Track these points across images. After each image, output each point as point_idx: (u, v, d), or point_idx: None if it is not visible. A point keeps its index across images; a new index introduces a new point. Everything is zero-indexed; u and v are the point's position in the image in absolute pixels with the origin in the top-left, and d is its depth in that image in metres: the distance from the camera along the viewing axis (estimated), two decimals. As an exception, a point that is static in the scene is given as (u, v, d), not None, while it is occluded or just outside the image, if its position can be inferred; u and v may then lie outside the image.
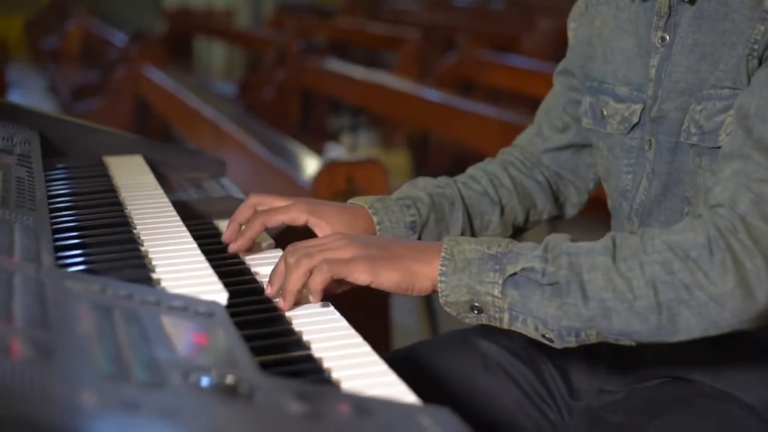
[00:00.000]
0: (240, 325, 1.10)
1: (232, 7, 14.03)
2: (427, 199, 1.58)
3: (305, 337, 1.20)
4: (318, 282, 1.27)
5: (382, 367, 1.11)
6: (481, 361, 1.54)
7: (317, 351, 1.16)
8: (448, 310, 1.30)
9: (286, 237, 1.50)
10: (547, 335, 1.26)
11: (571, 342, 1.26)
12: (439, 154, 6.45)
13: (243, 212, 1.50)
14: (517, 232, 1.71)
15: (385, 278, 1.29)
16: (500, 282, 1.25)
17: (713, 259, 1.18)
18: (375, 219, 1.52)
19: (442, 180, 1.64)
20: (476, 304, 1.27)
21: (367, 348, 1.17)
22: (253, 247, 1.50)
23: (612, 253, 1.23)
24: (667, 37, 1.44)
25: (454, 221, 1.61)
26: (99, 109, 7.13)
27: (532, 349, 1.56)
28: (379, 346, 1.22)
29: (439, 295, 1.29)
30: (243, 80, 8.13)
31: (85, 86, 8.22)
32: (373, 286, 1.30)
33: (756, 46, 1.31)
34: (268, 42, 8.59)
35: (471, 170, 1.71)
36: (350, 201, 1.56)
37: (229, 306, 1.16)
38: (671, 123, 1.44)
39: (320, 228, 1.47)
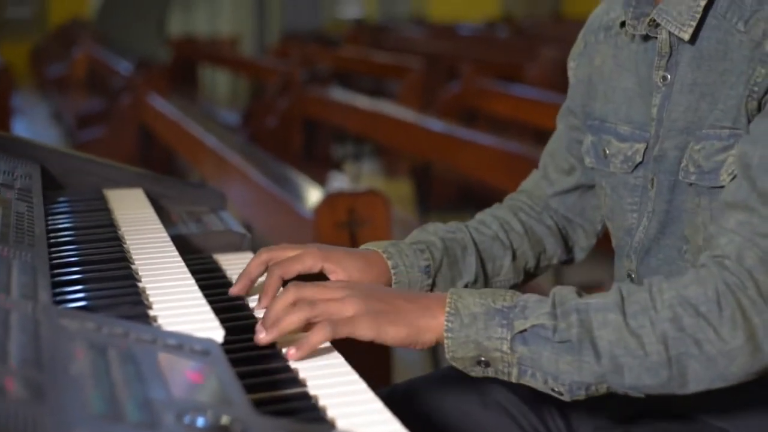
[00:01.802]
0: (236, 362, 1.11)
1: (236, 36, 14.10)
2: (440, 244, 1.57)
3: (301, 375, 1.20)
4: (317, 341, 1.24)
5: (378, 404, 1.11)
6: (479, 398, 1.54)
7: (313, 388, 1.16)
8: (454, 364, 1.30)
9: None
10: (556, 389, 1.26)
11: (581, 395, 1.26)
12: (443, 184, 6.46)
13: (255, 268, 1.47)
14: (528, 278, 1.70)
15: (390, 335, 1.28)
16: (509, 338, 1.25)
17: (722, 314, 1.20)
18: (390, 263, 1.50)
19: (453, 225, 1.63)
20: (483, 358, 1.27)
21: (363, 385, 1.17)
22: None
23: (622, 309, 1.24)
24: (669, 77, 1.44)
25: (467, 266, 1.59)
26: (103, 137, 7.16)
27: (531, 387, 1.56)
28: (380, 378, 1.22)
29: (446, 350, 1.28)
30: (247, 109, 8.16)
31: (89, 114, 8.27)
32: (376, 341, 1.29)
33: (756, 88, 1.32)
34: (272, 70, 8.62)
35: (480, 216, 1.70)
36: (363, 246, 1.54)
37: (225, 342, 1.17)
38: (670, 162, 1.44)
39: (335, 274, 1.46)
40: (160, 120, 6.10)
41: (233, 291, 1.47)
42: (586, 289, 1.33)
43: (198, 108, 7.30)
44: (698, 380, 1.22)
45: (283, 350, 1.25)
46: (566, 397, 1.26)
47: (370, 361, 1.33)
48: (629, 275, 1.54)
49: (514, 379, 1.27)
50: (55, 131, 10.17)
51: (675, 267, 1.46)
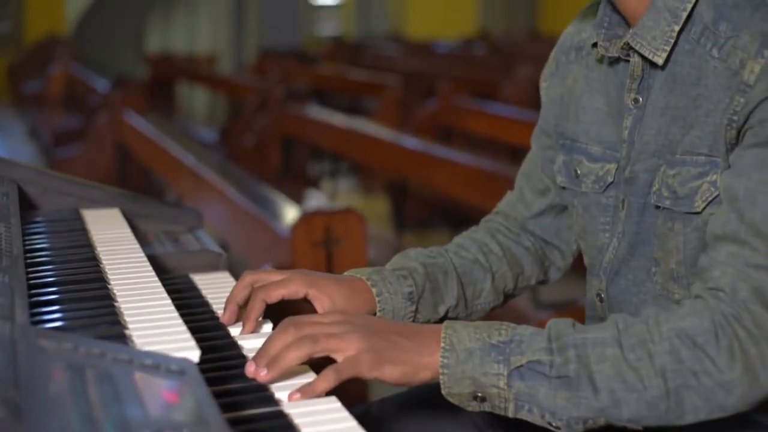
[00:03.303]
0: (211, 381, 1.12)
1: (214, 53, 14.10)
2: (422, 270, 1.57)
3: (276, 394, 1.21)
4: (322, 389, 1.22)
5: (352, 423, 1.13)
6: (452, 416, 1.55)
7: (288, 407, 1.17)
8: (450, 400, 1.30)
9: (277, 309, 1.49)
10: (554, 423, 1.27)
11: (579, 429, 1.27)
12: (419, 202, 6.48)
13: (239, 292, 1.46)
14: (507, 299, 1.71)
15: (388, 374, 1.27)
16: (505, 374, 1.26)
17: (719, 345, 1.22)
18: (374, 291, 1.50)
19: (434, 250, 1.64)
20: (480, 394, 1.28)
21: (337, 404, 1.18)
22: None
23: (619, 342, 1.25)
24: (640, 99, 1.46)
25: (448, 290, 1.60)
26: (80, 154, 7.15)
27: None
28: (355, 396, 1.23)
29: (442, 387, 1.28)
30: (224, 126, 8.17)
31: (66, 131, 8.25)
32: (375, 379, 1.29)
33: (735, 117, 1.33)
34: (249, 88, 8.64)
35: (458, 239, 1.70)
36: (347, 273, 1.54)
37: (201, 362, 1.18)
38: (641, 184, 1.46)
39: (320, 302, 1.45)
40: (137, 138, 6.10)
41: (224, 320, 1.45)
42: (561, 307, 1.34)
43: (175, 126, 7.30)
44: (696, 411, 1.24)
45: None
46: (563, 431, 1.27)
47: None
48: (598, 295, 1.56)
49: (510, 414, 1.28)
50: (32, 148, 10.14)
51: (643, 288, 1.48)
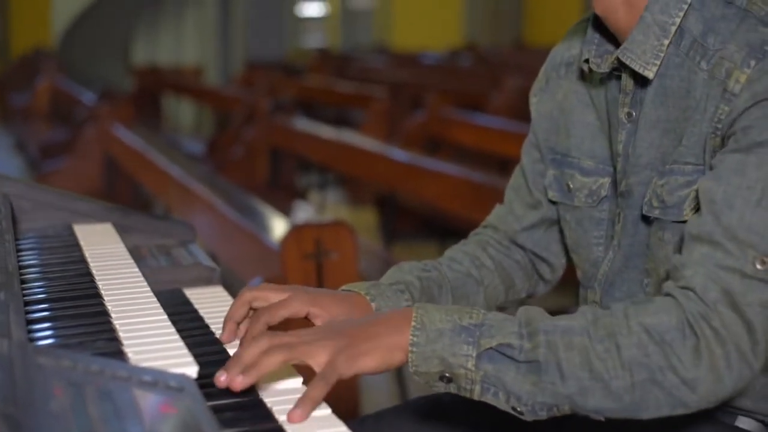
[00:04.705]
0: (210, 396, 1.12)
1: (200, 65, 14.10)
2: (418, 283, 1.58)
3: (275, 409, 1.21)
4: (317, 396, 1.22)
5: (351, 438, 1.13)
6: (446, 426, 1.56)
7: (286, 424, 1.17)
8: (417, 378, 1.31)
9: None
10: (518, 408, 1.28)
11: (543, 415, 1.28)
12: (407, 213, 6.49)
13: (238, 310, 1.44)
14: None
15: (365, 365, 1.28)
16: (474, 355, 1.27)
17: (686, 343, 1.23)
18: (373, 305, 1.51)
19: (428, 263, 1.64)
20: (447, 374, 1.29)
21: (335, 419, 1.19)
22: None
23: (588, 333, 1.26)
24: (634, 113, 1.47)
25: (443, 304, 1.60)
26: (67, 167, 7.14)
27: (499, 415, 1.57)
28: (348, 409, 1.23)
29: (410, 364, 1.29)
30: (211, 139, 8.16)
31: (53, 144, 8.25)
32: (357, 374, 1.29)
33: (720, 125, 1.35)
34: (236, 100, 8.64)
35: (450, 252, 1.71)
36: (343, 288, 1.54)
37: (199, 377, 1.18)
38: (635, 197, 1.47)
39: (321, 319, 1.44)
40: (124, 150, 6.10)
41: (223, 339, 1.43)
42: (553, 314, 1.35)
43: (162, 138, 7.30)
44: (658, 407, 1.25)
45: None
46: (527, 417, 1.28)
47: (338, 392, 1.33)
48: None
49: (476, 397, 1.29)
50: (19, 161, 10.12)
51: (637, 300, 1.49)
